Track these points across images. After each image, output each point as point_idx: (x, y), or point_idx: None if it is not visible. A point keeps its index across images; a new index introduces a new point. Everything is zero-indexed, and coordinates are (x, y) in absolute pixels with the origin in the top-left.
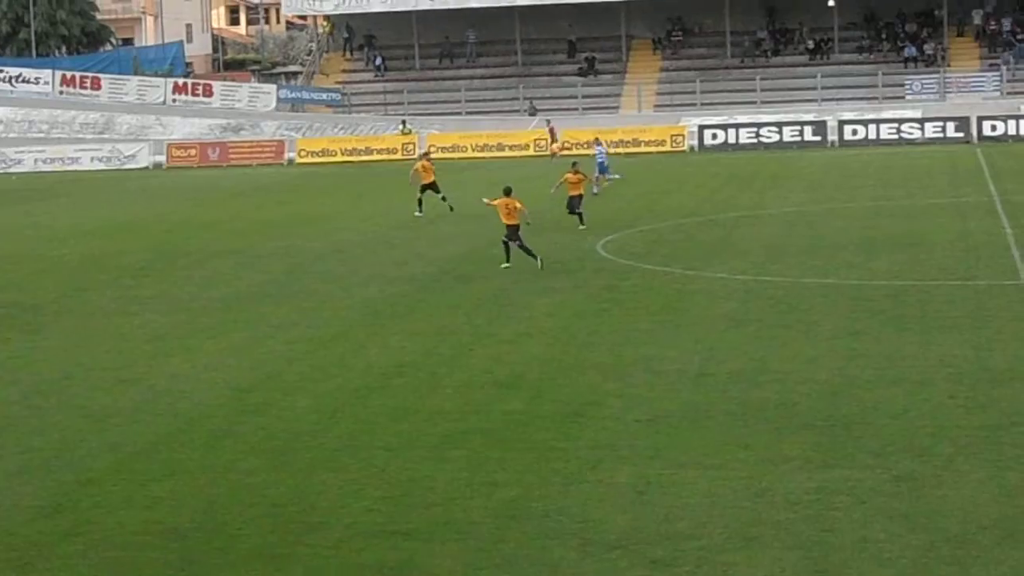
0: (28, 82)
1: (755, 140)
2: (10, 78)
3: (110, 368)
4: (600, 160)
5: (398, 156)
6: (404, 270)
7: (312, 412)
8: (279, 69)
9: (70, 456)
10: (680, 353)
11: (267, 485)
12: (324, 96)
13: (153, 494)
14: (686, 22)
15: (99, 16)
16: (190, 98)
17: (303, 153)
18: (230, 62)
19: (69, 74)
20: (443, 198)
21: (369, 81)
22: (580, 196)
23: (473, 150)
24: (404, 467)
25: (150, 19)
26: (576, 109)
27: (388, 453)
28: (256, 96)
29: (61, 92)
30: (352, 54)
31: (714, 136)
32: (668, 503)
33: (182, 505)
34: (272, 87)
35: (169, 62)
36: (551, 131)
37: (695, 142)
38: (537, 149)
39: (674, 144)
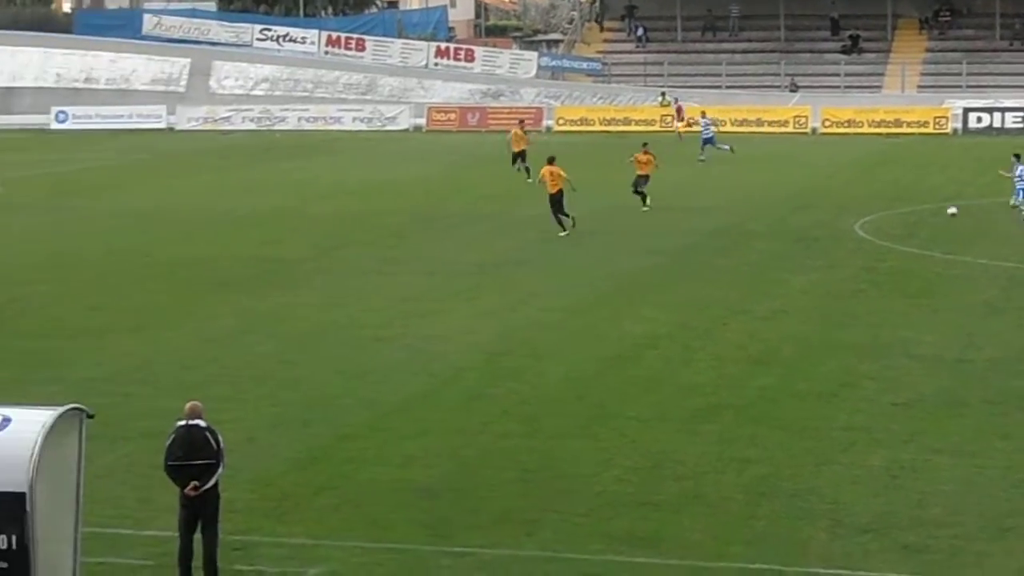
0: (294, 41)
1: (1022, 125)
2: (277, 37)
3: (366, 327)
4: (706, 135)
5: (656, 128)
6: (659, 242)
7: (564, 379)
8: (540, 37)
9: (325, 411)
10: (938, 338)
11: (518, 449)
12: (584, 65)
13: (406, 452)
14: (954, 2)
15: None
16: (452, 63)
17: (561, 121)
18: (492, 28)
19: (334, 35)
20: (526, 168)
21: (630, 52)
22: (647, 177)
23: (732, 125)
24: (655, 439)
25: None
26: (838, 87)
27: (639, 424)
28: (517, 63)
29: (326, 52)
30: (601, 26)
31: (979, 119)
32: (921, 488)
33: (434, 465)
34: (533, 54)
35: (432, 26)
36: (678, 110)
37: (959, 125)
38: (797, 126)
39: (937, 126)
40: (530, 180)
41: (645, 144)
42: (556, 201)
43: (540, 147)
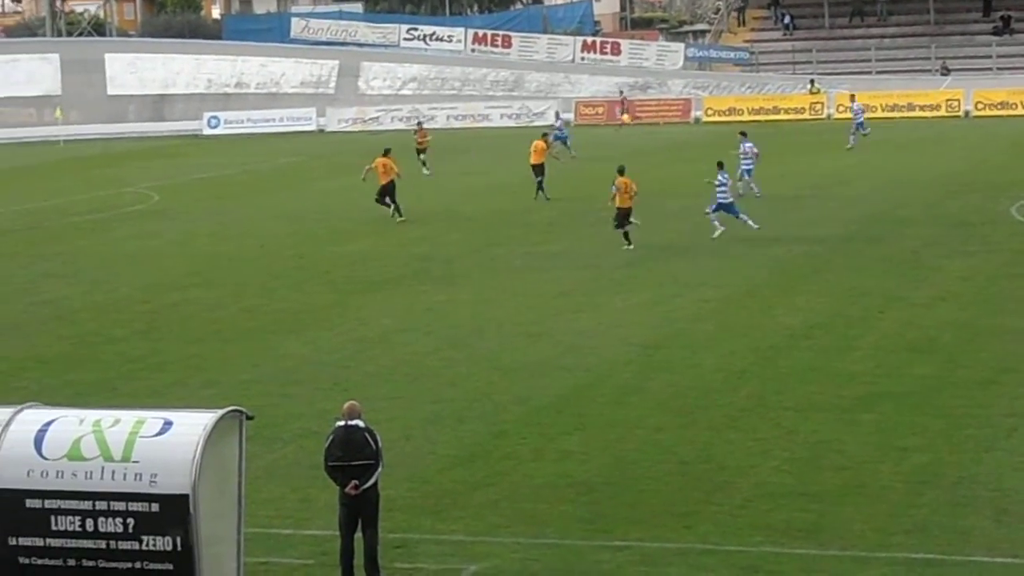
0: (441, 40)
1: None
2: (424, 36)
3: (520, 323)
4: (858, 120)
5: (806, 116)
6: (812, 230)
7: (719, 371)
8: (686, 27)
9: (481, 408)
10: None
11: (675, 442)
12: (731, 54)
13: (563, 447)
14: None
15: None
16: (598, 56)
17: (710, 112)
18: (637, 20)
19: (481, 32)
20: (539, 184)
21: (777, 40)
22: (541, 165)
23: (883, 110)
24: (813, 429)
25: None
26: (990, 69)
27: (796, 414)
28: (664, 54)
29: (473, 50)
30: (742, 18)
31: None
32: None
33: (591, 459)
34: (679, 45)
35: (578, 20)
36: (622, 102)
37: None
38: (949, 110)
39: None
40: (543, 198)
41: (544, 134)
42: (623, 217)
43: (596, 152)
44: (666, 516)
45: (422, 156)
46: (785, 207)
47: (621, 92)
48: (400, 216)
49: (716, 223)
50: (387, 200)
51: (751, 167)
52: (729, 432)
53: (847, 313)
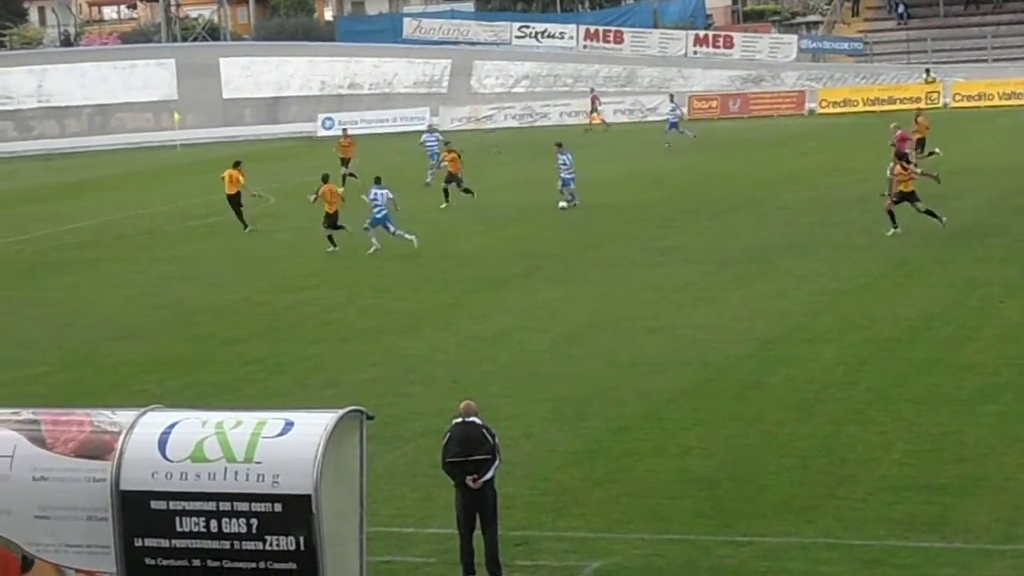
0: (553, 37)
1: None
2: (536, 34)
3: (637, 318)
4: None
5: (922, 105)
6: (926, 221)
7: (839, 364)
8: (799, 19)
9: (601, 404)
10: None
11: (795, 436)
12: (845, 45)
13: (683, 442)
14: None
15: None
16: (711, 50)
17: (824, 103)
18: (749, 13)
19: (592, 28)
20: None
21: (891, 29)
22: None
23: (1000, 98)
24: (934, 421)
25: None
26: None
27: (917, 406)
28: (776, 47)
29: (584, 46)
30: (856, 8)
31: None
32: None
33: (712, 454)
34: (792, 37)
35: (689, 14)
36: (593, 99)
37: None
38: None
39: None
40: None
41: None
42: (910, 196)
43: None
44: (788, 511)
45: (344, 169)
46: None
47: (592, 90)
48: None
49: (374, 239)
50: (336, 226)
51: (571, 177)
52: (850, 426)
53: (966, 304)
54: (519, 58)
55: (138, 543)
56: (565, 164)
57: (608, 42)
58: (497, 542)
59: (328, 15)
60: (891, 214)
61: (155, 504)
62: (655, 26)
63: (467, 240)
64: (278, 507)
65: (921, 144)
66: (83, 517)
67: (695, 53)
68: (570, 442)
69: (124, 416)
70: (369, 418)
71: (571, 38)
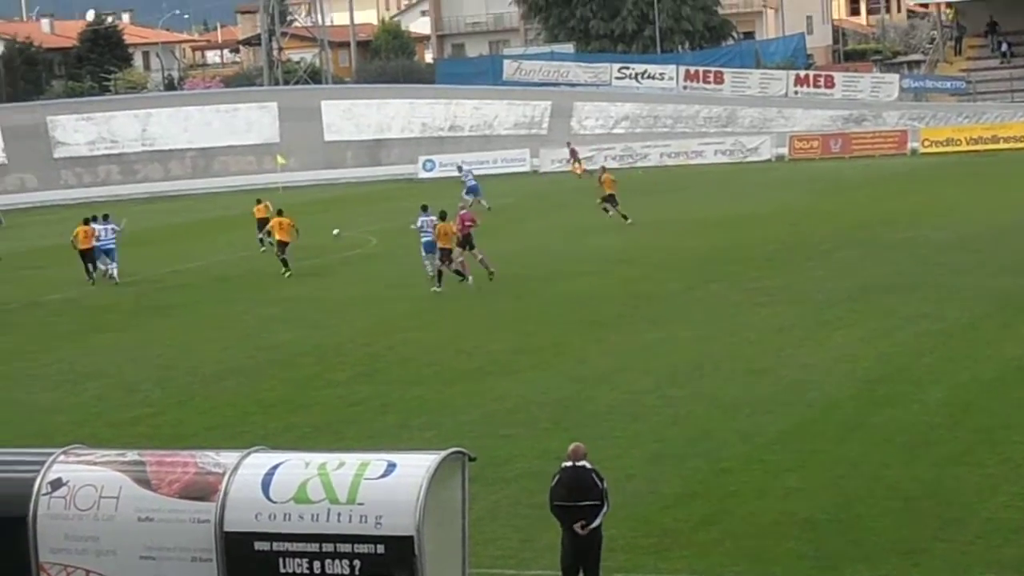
0: (653, 78)
1: None
2: (636, 75)
3: (740, 359)
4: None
5: None
6: None
7: (944, 405)
8: (900, 58)
9: (704, 445)
10: None
11: (900, 478)
12: (948, 84)
13: (786, 484)
14: None
15: (721, 11)
16: (811, 90)
17: (927, 143)
18: (850, 52)
19: (692, 69)
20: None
21: (994, 68)
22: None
23: None
24: None
25: (771, 12)
26: None
27: None
28: (878, 86)
29: (685, 87)
30: (959, 47)
31: None
32: None
33: (815, 496)
34: (894, 77)
35: (790, 54)
36: (572, 152)
37: None
38: None
39: None
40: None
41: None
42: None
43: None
44: (893, 553)
45: (263, 233)
46: (1008, 238)
47: (568, 143)
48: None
49: (428, 267)
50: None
51: (429, 239)
52: (955, 467)
53: None
54: (619, 99)
55: None
56: (422, 228)
57: (708, 82)
58: None
59: (428, 58)
60: None
61: (259, 545)
62: (756, 66)
63: (570, 281)
64: (381, 548)
65: None
66: (187, 558)
67: (796, 93)
68: (673, 483)
69: (228, 457)
70: (471, 459)
71: (671, 78)
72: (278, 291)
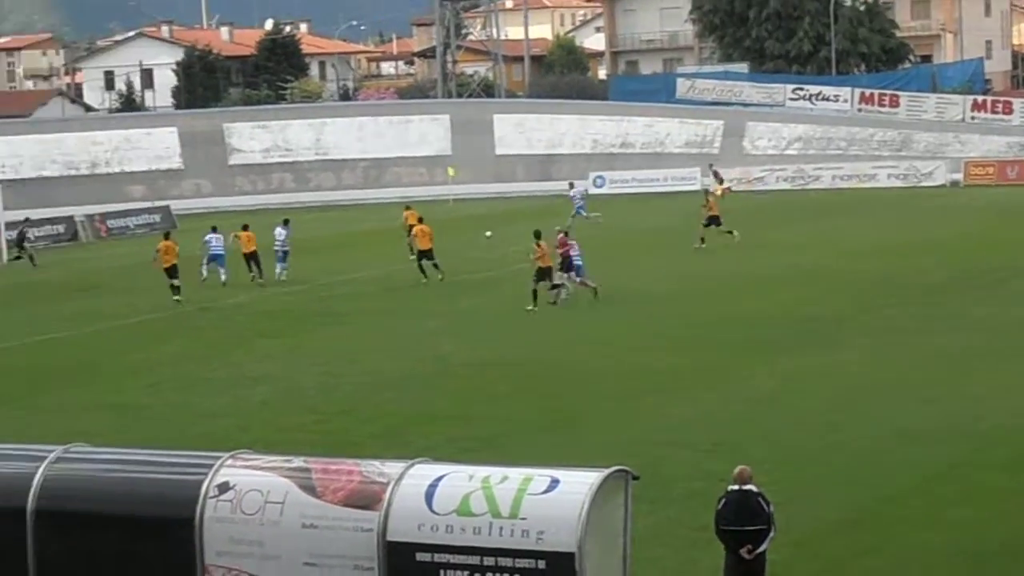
0: (827, 100)
1: None
2: (810, 96)
3: (909, 386)
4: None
5: None
6: None
7: None
8: None
9: (870, 471)
10: None
11: None
12: None
13: (954, 515)
14: None
15: (899, 34)
16: (989, 115)
17: None
18: None
19: (867, 91)
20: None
21: None
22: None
23: None
24: None
25: (949, 36)
26: None
27: None
28: None
29: (859, 109)
30: None
31: None
32: None
33: (985, 529)
34: None
35: (968, 79)
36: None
37: None
38: None
39: None
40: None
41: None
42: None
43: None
44: None
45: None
46: None
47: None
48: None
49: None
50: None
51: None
52: None
53: None
54: (792, 120)
55: None
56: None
57: (883, 105)
58: None
59: (602, 74)
60: None
61: (420, 556)
62: (932, 90)
63: (739, 302)
64: (542, 564)
65: None
66: (350, 566)
67: (973, 118)
68: (836, 510)
69: (392, 467)
70: (635, 478)
71: (846, 101)
72: (444, 303)
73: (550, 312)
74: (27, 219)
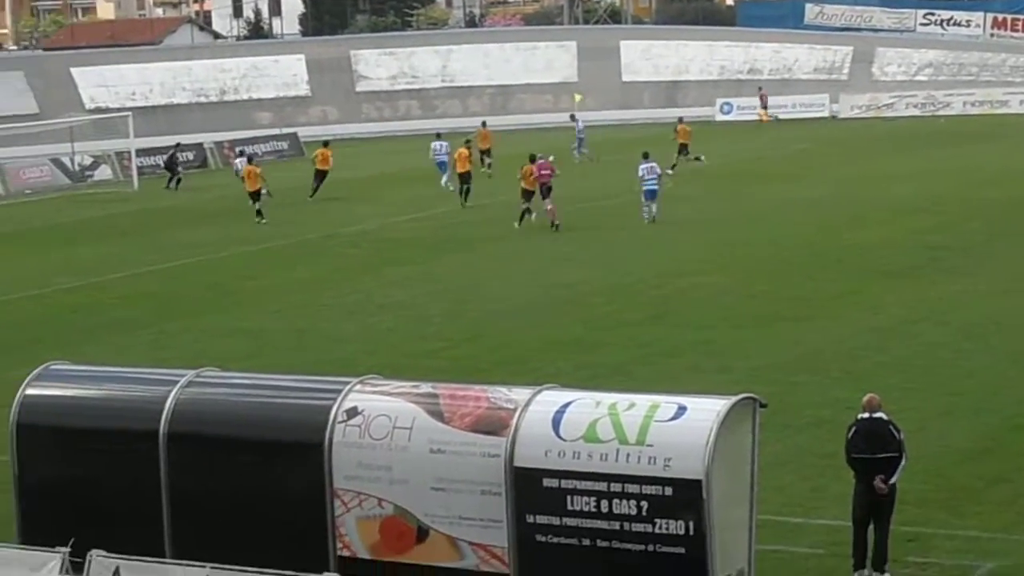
0: (959, 25)
1: None
2: (941, 21)
3: None
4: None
5: None
6: None
7: None
8: None
9: (999, 401)
10: None
11: None
12: None
13: None
14: None
15: None
16: None
17: None
18: None
19: (1001, 16)
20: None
21: None
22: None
23: None
24: None
25: None
26: None
27: None
28: None
29: (992, 35)
30: None
31: None
32: None
33: None
34: None
35: None
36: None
37: None
38: None
39: None
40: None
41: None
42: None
43: None
44: None
45: (486, 159)
46: None
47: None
48: (263, 219)
49: (645, 213)
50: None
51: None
52: None
53: None
54: (923, 46)
55: (529, 519)
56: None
57: (1017, 31)
58: (887, 537)
59: (729, 0)
60: None
61: (547, 482)
62: None
63: (867, 229)
64: (669, 491)
65: None
66: (477, 491)
67: None
68: (966, 438)
69: (520, 394)
70: (762, 406)
71: (978, 26)
72: (572, 231)
73: (676, 239)
74: (178, 144)
